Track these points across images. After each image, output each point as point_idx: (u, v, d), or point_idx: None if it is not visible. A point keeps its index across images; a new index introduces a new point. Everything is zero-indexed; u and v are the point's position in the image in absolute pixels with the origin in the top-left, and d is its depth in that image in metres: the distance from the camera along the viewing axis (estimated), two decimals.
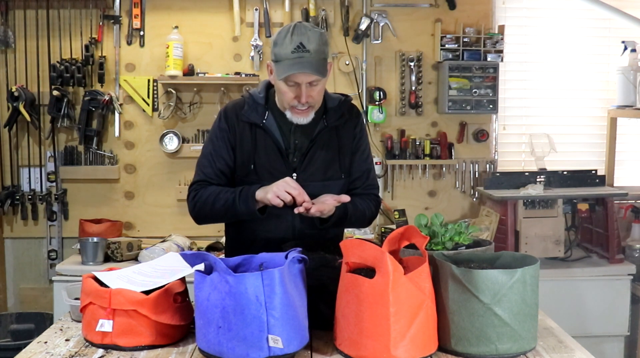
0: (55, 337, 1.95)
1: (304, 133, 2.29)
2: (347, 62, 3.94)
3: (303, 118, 2.23)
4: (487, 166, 4.09)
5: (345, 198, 2.19)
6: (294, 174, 2.27)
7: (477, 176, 4.09)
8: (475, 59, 3.91)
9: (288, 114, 2.24)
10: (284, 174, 2.24)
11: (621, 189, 3.93)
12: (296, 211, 2.14)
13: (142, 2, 3.89)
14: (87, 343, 1.88)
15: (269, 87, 2.32)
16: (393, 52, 4.01)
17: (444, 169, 4.08)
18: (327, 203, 2.18)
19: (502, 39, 3.93)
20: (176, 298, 1.90)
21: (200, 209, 2.29)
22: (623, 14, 3.91)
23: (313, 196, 2.22)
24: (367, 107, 3.97)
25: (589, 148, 4.21)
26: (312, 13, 3.89)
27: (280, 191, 2.11)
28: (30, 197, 3.92)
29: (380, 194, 4.00)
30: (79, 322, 2.02)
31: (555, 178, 3.87)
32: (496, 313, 1.71)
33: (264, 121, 2.28)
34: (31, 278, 4.03)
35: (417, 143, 4.01)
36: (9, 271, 4.03)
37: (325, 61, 2.17)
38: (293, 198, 2.12)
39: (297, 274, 1.80)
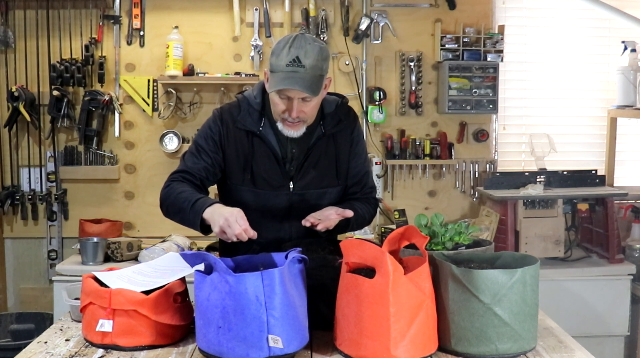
0: (55, 337, 1.95)
1: (301, 141, 2.26)
2: (347, 62, 3.94)
3: (294, 131, 2.20)
4: (487, 166, 4.09)
5: (349, 213, 2.19)
6: (291, 183, 2.27)
7: (477, 176, 4.09)
8: (475, 59, 3.91)
9: (279, 126, 2.21)
10: (280, 182, 2.25)
11: (621, 189, 3.92)
12: (303, 223, 2.13)
13: (142, 2, 3.89)
14: (87, 343, 1.88)
15: (265, 91, 2.25)
16: (393, 52, 4.01)
17: (444, 169, 4.07)
18: (332, 219, 2.17)
19: (502, 39, 3.93)
20: (176, 298, 1.90)
21: (163, 202, 2.21)
22: (623, 14, 3.91)
23: (309, 204, 2.24)
24: (367, 107, 3.97)
25: (589, 148, 4.21)
26: (312, 13, 3.89)
27: (227, 228, 1.99)
28: (30, 197, 3.91)
29: (380, 194, 4.07)
30: (79, 322, 2.02)
31: (555, 178, 3.87)
32: (496, 313, 1.71)
33: (261, 129, 2.25)
34: (31, 278, 4.03)
35: (417, 143, 4.00)
36: (9, 271, 4.03)
37: (321, 77, 2.12)
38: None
39: (297, 274, 1.80)
